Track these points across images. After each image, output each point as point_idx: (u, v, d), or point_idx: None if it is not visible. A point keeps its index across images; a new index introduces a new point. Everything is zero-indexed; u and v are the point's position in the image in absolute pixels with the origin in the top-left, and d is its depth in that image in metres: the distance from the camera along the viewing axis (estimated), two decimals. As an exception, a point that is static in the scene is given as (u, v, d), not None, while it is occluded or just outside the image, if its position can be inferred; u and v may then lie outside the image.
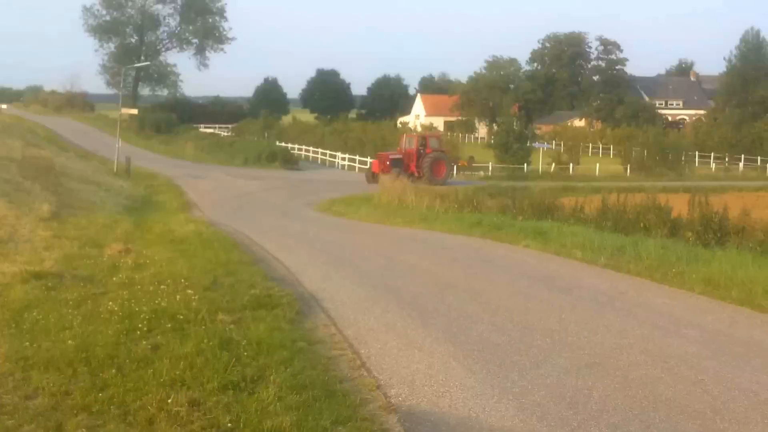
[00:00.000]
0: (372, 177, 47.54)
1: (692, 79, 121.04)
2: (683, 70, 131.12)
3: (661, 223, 20.86)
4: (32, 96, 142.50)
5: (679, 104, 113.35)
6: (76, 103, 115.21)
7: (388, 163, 47.46)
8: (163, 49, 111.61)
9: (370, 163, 50.96)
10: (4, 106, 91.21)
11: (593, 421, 7.70)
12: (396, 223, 27.14)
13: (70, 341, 9.11)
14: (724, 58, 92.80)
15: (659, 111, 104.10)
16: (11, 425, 7.06)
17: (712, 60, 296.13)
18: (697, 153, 75.11)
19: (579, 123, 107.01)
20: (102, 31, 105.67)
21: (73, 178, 34.57)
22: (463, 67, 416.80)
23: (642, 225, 21.09)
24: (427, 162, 48.31)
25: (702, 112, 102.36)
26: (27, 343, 9.12)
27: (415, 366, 9.33)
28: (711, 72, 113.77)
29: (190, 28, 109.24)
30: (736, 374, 9.20)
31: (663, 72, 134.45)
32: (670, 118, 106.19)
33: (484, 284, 14.55)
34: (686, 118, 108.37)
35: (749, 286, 13.50)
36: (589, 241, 18.90)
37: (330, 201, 36.33)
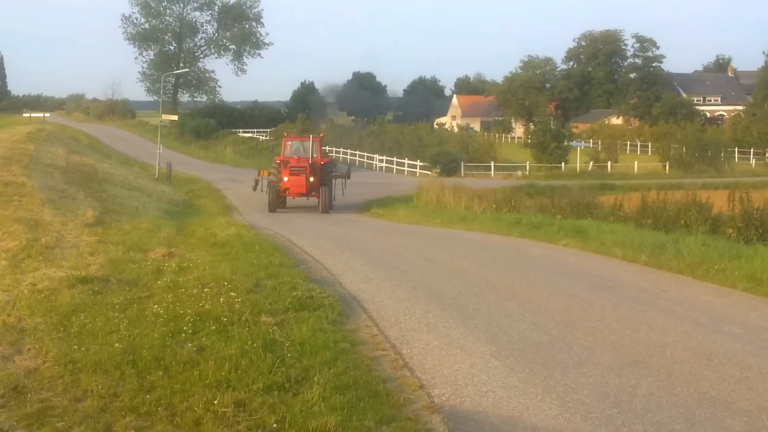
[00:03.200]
0: (277, 201, 34.23)
1: (730, 74, 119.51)
2: (721, 65, 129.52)
3: (702, 219, 20.67)
4: (74, 104, 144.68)
5: (717, 100, 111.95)
6: (117, 110, 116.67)
7: (312, 179, 33.57)
8: (202, 56, 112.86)
9: (276, 181, 34.49)
10: (47, 115, 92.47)
11: (638, 419, 7.67)
12: (434, 224, 27.17)
13: (117, 344, 9.27)
14: (763, 53, 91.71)
15: (697, 107, 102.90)
16: (62, 427, 7.20)
17: (750, 55, 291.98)
18: (736, 149, 74.22)
19: (616, 121, 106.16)
20: (141, 38, 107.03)
21: (115, 184, 35.04)
22: (498, 68, 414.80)
23: (682, 222, 20.91)
24: (329, 177, 34.93)
25: (740, 107, 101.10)
26: (75, 347, 9.29)
27: (457, 366, 9.35)
28: (749, 67, 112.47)
29: (228, 34, 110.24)
30: (781, 371, 9.11)
31: (700, 68, 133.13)
32: (708, 115, 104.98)
33: (524, 283, 14.51)
34: (725, 114, 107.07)
35: (793, 282, 13.35)
36: (629, 238, 18.78)
37: (368, 202, 36.40)
